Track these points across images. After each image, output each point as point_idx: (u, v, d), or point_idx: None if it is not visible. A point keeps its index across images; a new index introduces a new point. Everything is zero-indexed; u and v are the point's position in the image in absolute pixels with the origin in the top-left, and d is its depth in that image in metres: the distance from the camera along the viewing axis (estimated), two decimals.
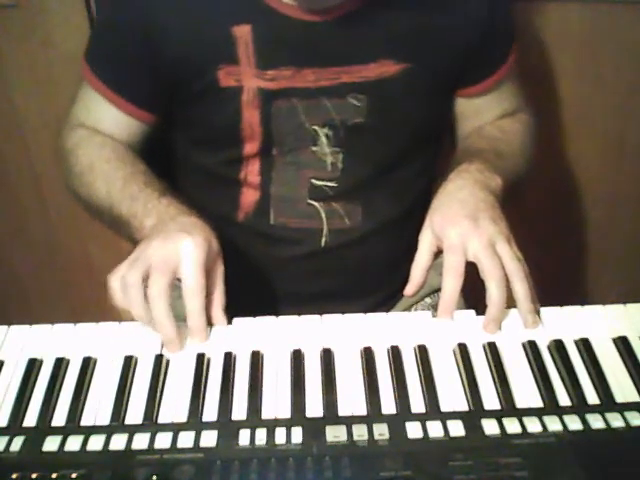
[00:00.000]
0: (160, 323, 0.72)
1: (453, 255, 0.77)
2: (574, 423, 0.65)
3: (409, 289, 0.81)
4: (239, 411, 0.67)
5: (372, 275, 1.03)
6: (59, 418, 0.67)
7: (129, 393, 0.69)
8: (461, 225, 0.78)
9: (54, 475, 0.60)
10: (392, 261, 1.04)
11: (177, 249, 0.74)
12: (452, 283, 0.76)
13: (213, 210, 0.98)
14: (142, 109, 0.94)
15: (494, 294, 0.75)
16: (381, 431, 0.64)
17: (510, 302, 0.77)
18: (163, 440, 0.63)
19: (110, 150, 0.92)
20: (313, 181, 0.94)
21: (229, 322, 0.78)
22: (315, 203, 0.95)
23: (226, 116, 0.90)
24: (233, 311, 0.81)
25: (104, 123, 0.95)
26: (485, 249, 0.76)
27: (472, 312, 0.79)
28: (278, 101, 0.89)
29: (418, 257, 0.81)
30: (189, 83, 0.89)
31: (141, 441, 0.63)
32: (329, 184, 0.94)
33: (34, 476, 0.60)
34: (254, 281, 1.00)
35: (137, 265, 0.73)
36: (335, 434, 0.63)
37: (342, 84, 0.88)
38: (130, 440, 0.64)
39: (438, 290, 1.07)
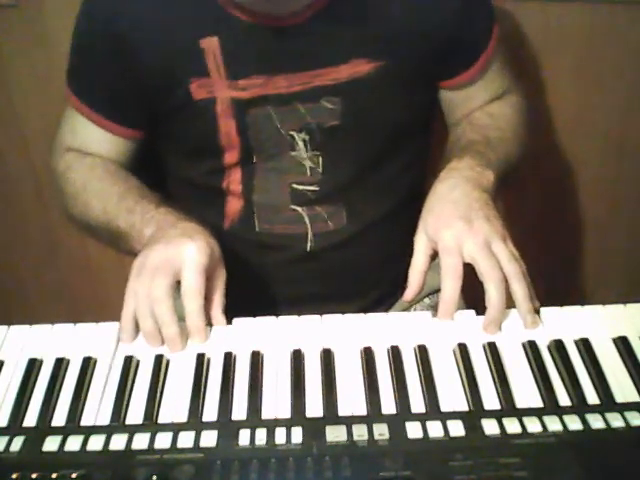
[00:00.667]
0: (164, 323, 0.72)
1: (449, 257, 0.76)
2: (574, 423, 0.65)
3: (408, 294, 0.80)
4: (239, 411, 0.67)
5: (361, 277, 1.02)
6: (59, 418, 0.67)
7: (129, 393, 0.70)
8: (455, 227, 0.77)
9: (54, 475, 0.60)
10: (381, 262, 1.03)
11: (179, 253, 0.74)
12: (451, 285, 0.76)
13: (202, 219, 0.98)
14: (125, 127, 0.94)
15: (493, 295, 0.74)
16: (381, 431, 0.64)
17: (509, 302, 0.76)
18: (163, 440, 0.63)
19: (102, 169, 0.93)
20: (294, 186, 0.94)
21: (229, 323, 0.78)
22: (298, 208, 0.95)
23: (203, 128, 0.90)
24: (229, 316, 0.81)
25: (91, 144, 0.95)
26: (481, 250, 0.75)
27: (472, 312, 0.79)
28: (253, 109, 0.88)
29: (414, 261, 0.80)
30: (164, 98, 0.89)
31: (141, 441, 0.63)
32: (310, 188, 0.94)
33: (34, 476, 0.60)
34: (244, 288, 1.00)
35: (144, 275, 0.74)
36: (335, 434, 0.63)
37: (315, 88, 0.88)
38: (130, 440, 0.64)
39: (438, 291, 1.06)
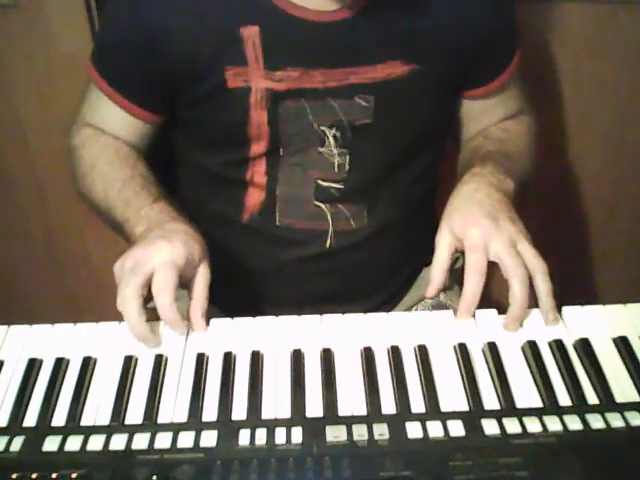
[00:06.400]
0: (129, 322, 0.73)
1: (475, 255, 0.77)
2: (574, 423, 0.65)
3: (431, 291, 0.80)
4: (239, 411, 0.67)
5: (374, 276, 1.03)
6: (59, 418, 0.67)
7: (129, 393, 0.70)
8: (482, 225, 0.78)
9: (54, 475, 0.60)
10: (394, 262, 1.04)
11: (153, 253, 0.75)
12: (474, 283, 0.76)
13: (218, 211, 0.98)
14: (148, 110, 0.94)
15: (518, 293, 0.75)
16: (381, 431, 0.64)
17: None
18: (163, 440, 0.63)
19: (113, 152, 0.93)
20: (319, 182, 0.94)
21: (230, 321, 0.78)
22: (321, 204, 0.95)
23: (234, 117, 0.90)
24: (234, 311, 0.81)
25: (110, 123, 0.95)
26: (507, 248, 0.76)
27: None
28: (286, 102, 0.88)
29: (437, 259, 0.81)
30: (196, 84, 0.88)
31: (141, 441, 0.63)
32: (335, 185, 0.94)
33: (34, 476, 0.60)
34: (257, 282, 1.00)
35: (126, 278, 0.74)
36: (335, 434, 0.63)
37: (350, 85, 0.88)
38: (130, 440, 0.64)
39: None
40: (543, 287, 0.76)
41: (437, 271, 0.80)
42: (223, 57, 0.86)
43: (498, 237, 0.77)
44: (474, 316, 0.78)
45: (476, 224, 0.79)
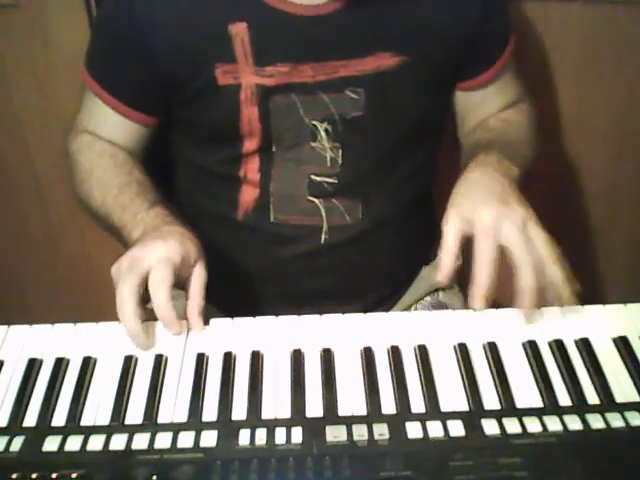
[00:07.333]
0: (124, 321, 0.72)
1: (486, 239, 0.75)
2: (574, 423, 0.65)
3: (441, 276, 0.78)
4: (239, 411, 0.67)
5: (371, 273, 1.03)
6: (59, 418, 0.67)
7: (129, 393, 0.70)
8: (493, 206, 0.77)
9: (54, 475, 0.60)
10: (391, 259, 1.03)
11: (148, 252, 0.75)
12: (486, 268, 0.75)
13: (213, 209, 0.99)
14: (143, 112, 0.94)
15: (529, 280, 0.74)
16: (381, 431, 0.64)
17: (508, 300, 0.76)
18: (163, 440, 0.64)
19: (109, 157, 0.93)
20: (313, 177, 0.94)
21: (230, 321, 0.78)
22: (315, 200, 0.95)
23: (225, 114, 0.90)
24: (232, 310, 0.81)
25: (106, 128, 0.95)
26: (518, 232, 0.75)
27: (471, 311, 0.78)
28: (277, 97, 0.88)
29: (446, 244, 0.78)
30: (187, 83, 0.89)
31: (141, 441, 0.63)
32: (329, 180, 0.94)
33: (34, 476, 0.60)
34: (253, 279, 1.00)
35: (123, 278, 0.74)
36: (335, 434, 0.63)
37: (340, 78, 0.88)
38: (130, 440, 0.64)
39: (439, 289, 1.07)
40: (557, 273, 0.75)
41: (447, 257, 0.77)
42: (212, 55, 0.86)
43: (510, 218, 0.76)
44: (473, 316, 0.78)
45: (487, 205, 0.77)
